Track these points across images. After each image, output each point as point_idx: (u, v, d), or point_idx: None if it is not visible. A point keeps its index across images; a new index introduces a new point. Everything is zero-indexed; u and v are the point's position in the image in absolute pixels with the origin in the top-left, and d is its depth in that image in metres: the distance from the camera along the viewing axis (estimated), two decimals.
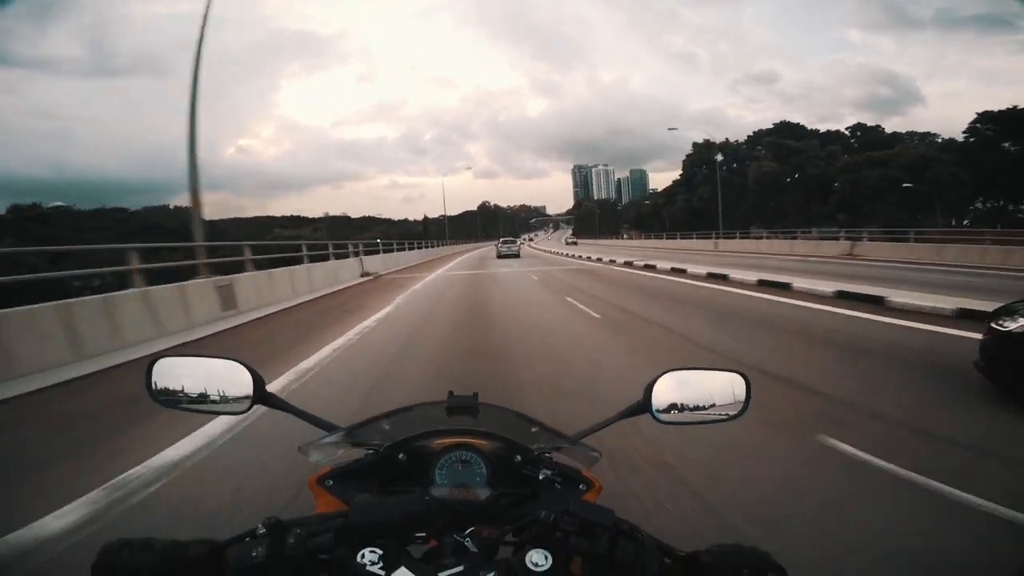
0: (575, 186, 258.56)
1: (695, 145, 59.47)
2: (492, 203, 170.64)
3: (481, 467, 0.77)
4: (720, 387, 0.90)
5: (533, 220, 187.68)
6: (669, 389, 0.89)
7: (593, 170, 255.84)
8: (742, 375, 0.90)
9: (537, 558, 0.61)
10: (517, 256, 32.35)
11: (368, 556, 0.60)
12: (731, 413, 0.89)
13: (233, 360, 0.89)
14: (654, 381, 0.89)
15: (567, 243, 58.92)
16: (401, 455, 0.78)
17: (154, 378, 0.88)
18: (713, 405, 0.89)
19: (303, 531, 0.62)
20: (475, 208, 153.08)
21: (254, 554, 0.59)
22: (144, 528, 2.26)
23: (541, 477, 0.78)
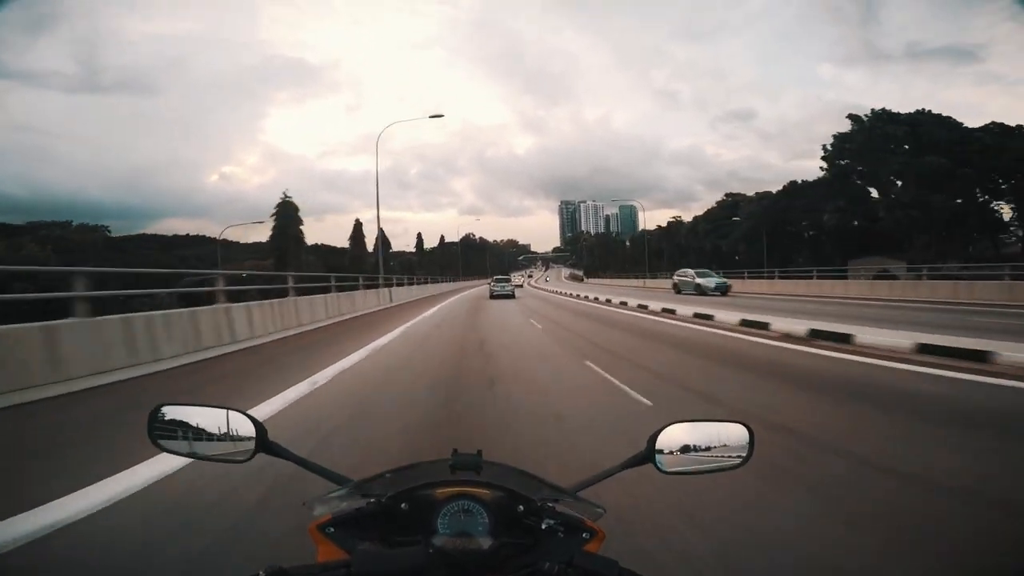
0: (562, 222, 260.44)
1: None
2: (477, 236, 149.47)
3: (483, 517, 0.77)
4: (724, 437, 0.92)
5: (521, 257, 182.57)
6: (673, 440, 0.91)
7: (582, 206, 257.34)
8: (745, 425, 0.92)
9: None
10: (512, 296, 28.41)
11: None
12: (734, 462, 0.91)
13: (236, 410, 0.92)
14: (658, 432, 0.91)
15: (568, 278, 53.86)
16: (404, 504, 0.78)
17: (157, 424, 0.91)
18: (716, 455, 0.91)
19: None
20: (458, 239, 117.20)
21: None
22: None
23: (544, 527, 0.78)
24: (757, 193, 62.22)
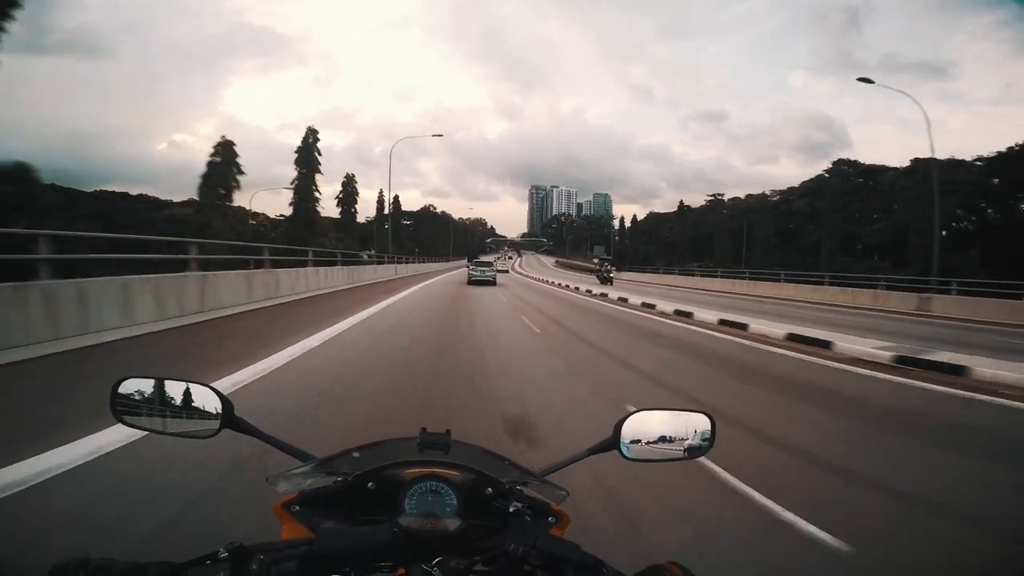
0: (531, 208, 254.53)
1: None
2: (439, 209, 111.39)
3: (451, 498, 0.78)
4: (686, 426, 0.96)
5: (489, 240, 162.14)
6: (638, 427, 0.94)
7: (554, 191, 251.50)
8: (707, 415, 0.96)
9: None
10: (493, 283, 25.26)
11: None
12: (695, 451, 0.95)
13: (202, 384, 0.90)
14: (623, 420, 0.94)
15: (603, 279, 34.30)
16: (370, 484, 0.79)
17: (120, 397, 0.89)
18: (678, 443, 0.95)
19: (267, 557, 0.62)
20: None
21: None
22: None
23: (511, 510, 0.79)
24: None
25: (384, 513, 0.77)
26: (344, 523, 0.77)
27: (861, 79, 20.56)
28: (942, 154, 34.93)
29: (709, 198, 77.88)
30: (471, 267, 28.01)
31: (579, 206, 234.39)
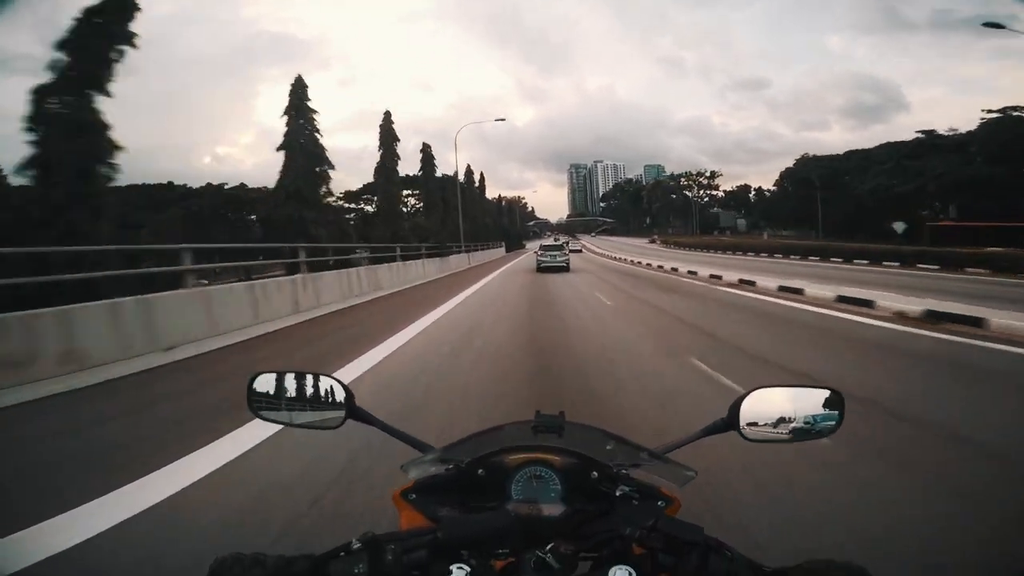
0: (572, 189, 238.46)
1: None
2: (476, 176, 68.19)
3: (556, 483, 0.79)
4: (811, 405, 0.90)
5: (532, 224, 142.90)
6: (757, 406, 0.90)
7: (599, 166, 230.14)
8: (835, 392, 0.90)
9: (621, 575, 0.63)
10: (567, 269, 21.44)
11: (456, 573, 0.63)
12: (823, 431, 0.90)
13: (329, 376, 0.95)
14: (742, 398, 0.90)
15: None
16: (480, 471, 0.81)
17: (255, 391, 0.96)
18: (803, 422, 0.90)
19: (398, 547, 0.65)
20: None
21: (356, 570, 0.63)
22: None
23: (618, 494, 0.79)
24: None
25: (493, 500, 0.79)
26: (459, 510, 0.79)
27: (988, 24, 18.06)
28: None
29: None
30: (539, 252, 23.53)
31: (629, 181, 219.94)
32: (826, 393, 0.90)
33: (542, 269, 21.32)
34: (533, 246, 38.45)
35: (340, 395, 0.94)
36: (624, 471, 0.81)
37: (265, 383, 0.95)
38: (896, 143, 53.92)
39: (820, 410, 0.90)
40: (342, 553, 0.65)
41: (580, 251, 43.35)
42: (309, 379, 0.95)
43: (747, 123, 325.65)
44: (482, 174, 61.04)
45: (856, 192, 51.14)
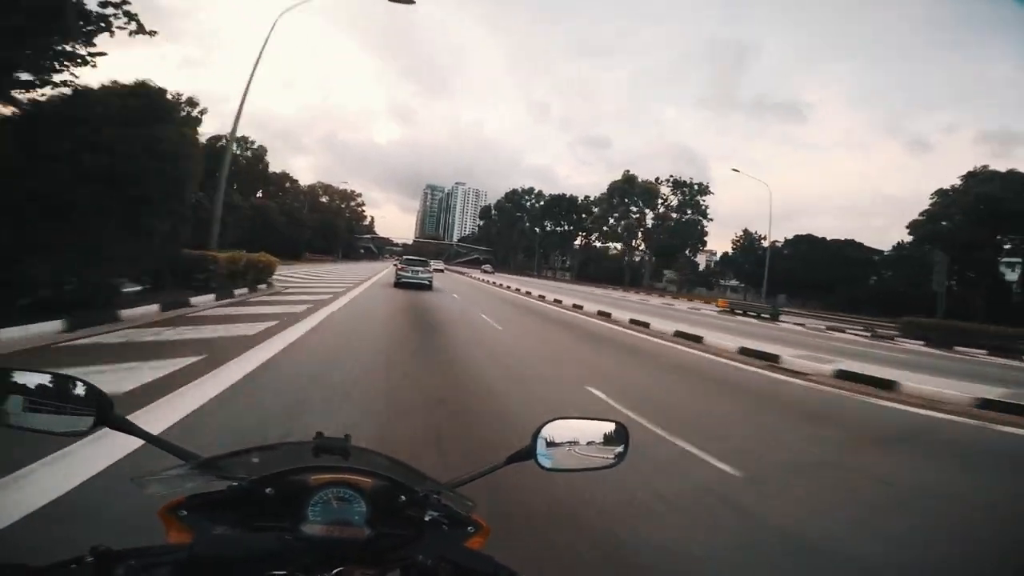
0: (424, 212, 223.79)
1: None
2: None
3: (361, 505, 0.77)
4: (602, 435, 1.00)
5: (367, 237, 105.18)
6: (555, 436, 0.98)
7: (460, 189, 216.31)
8: (621, 425, 1.00)
9: None
10: (429, 287, 20.60)
11: None
12: (611, 460, 1.00)
13: (75, 377, 0.84)
14: (540, 428, 0.98)
15: None
16: (269, 489, 0.76)
17: None
18: (594, 452, 0.99)
19: (137, 562, 0.60)
20: None
21: None
22: None
23: (427, 519, 0.79)
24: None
25: (283, 520, 0.74)
26: (235, 529, 0.73)
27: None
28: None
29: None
30: (400, 266, 22.50)
31: (488, 208, 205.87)
32: (615, 425, 1.01)
33: (401, 284, 20.36)
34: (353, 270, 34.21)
35: (89, 398, 0.82)
36: (435, 496, 0.80)
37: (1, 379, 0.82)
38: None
39: (609, 439, 1.00)
40: (73, 565, 0.59)
41: (442, 271, 41.73)
42: (56, 379, 0.82)
43: (588, 178, 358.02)
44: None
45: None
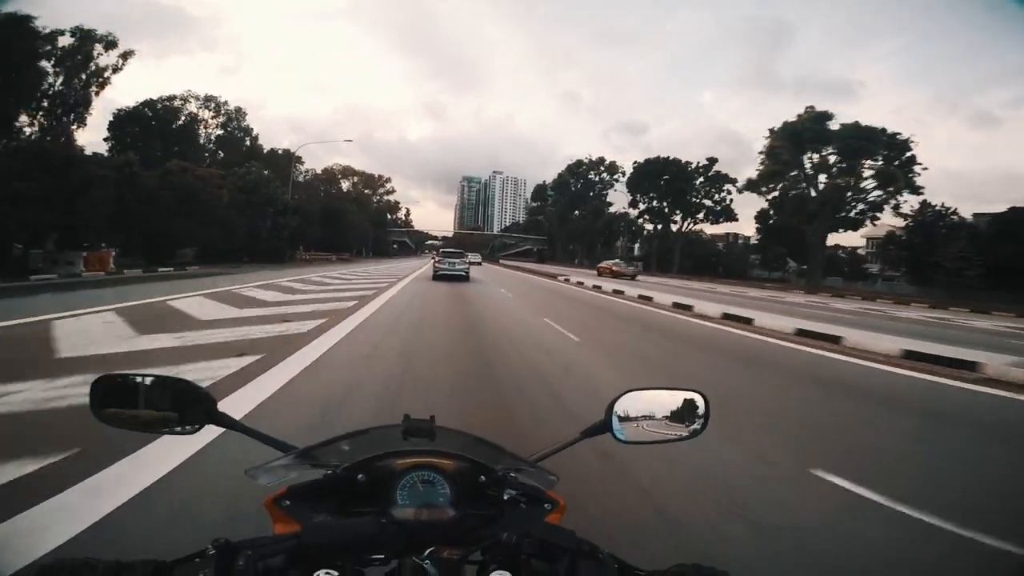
0: (461, 205, 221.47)
1: None
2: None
3: (445, 488, 0.79)
4: (679, 405, 0.98)
5: (400, 237, 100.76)
6: (630, 408, 0.96)
7: (498, 177, 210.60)
8: (701, 394, 0.98)
9: None
10: (466, 278, 21.23)
11: None
12: (690, 431, 0.97)
13: (182, 378, 0.89)
14: (615, 400, 0.96)
15: None
16: (360, 476, 0.79)
17: (99, 396, 0.88)
18: (673, 423, 0.97)
19: (254, 553, 0.63)
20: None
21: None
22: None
23: (506, 497, 0.81)
24: None
25: (376, 505, 0.78)
26: (335, 516, 0.77)
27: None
28: None
29: None
30: (437, 259, 22.95)
31: (526, 201, 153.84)
32: (694, 395, 0.98)
33: (439, 277, 20.90)
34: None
35: (196, 397, 0.89)
36: (512, 475, 0.82)
37: (112, 384, 0.89)
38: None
39: (688, 410, 0.97)
40: (197, 559, 0.64)
41: (479, 263, 42.19)
42: (162, 381, 0.89)
43: (626, 165, 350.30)
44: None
45: None
